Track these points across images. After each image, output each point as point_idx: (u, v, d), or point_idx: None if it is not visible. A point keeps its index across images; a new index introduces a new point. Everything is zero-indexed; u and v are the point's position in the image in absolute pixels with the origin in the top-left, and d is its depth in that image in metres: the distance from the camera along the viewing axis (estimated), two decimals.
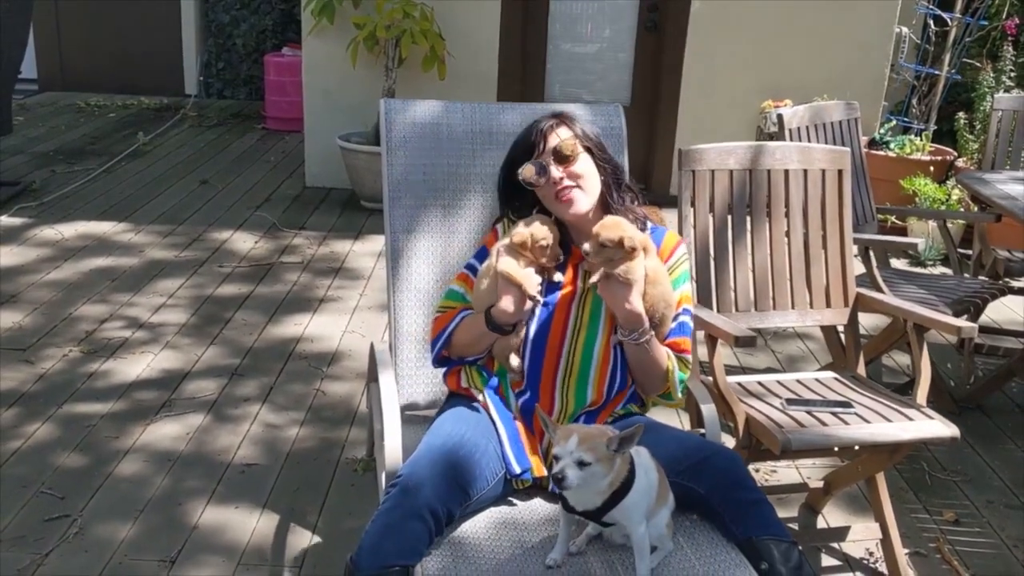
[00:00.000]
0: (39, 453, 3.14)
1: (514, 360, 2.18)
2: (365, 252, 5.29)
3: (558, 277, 2.19)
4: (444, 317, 2.26)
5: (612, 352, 2.17)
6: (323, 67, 6.29)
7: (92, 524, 2.78)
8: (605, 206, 2.24)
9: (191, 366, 3.81)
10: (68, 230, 5.38)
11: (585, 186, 2.19)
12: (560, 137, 2.19)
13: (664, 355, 2.16)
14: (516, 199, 2.28)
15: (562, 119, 2.24)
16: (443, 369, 2.34)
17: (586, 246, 2.08)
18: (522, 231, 2.14)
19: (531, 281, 2.12)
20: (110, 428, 3.32)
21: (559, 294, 2.18)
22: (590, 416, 2.18)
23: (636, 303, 2.08)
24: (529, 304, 2.14)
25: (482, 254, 2.29)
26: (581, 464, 1.78)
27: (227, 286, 4.69)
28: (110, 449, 3.19)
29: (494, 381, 2.24)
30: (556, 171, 2.17)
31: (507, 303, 2.11)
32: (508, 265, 2.12)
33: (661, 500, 1.93)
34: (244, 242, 5.35)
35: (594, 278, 2.10)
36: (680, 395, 2.24)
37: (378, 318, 4.35)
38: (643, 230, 2.23)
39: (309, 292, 4.67)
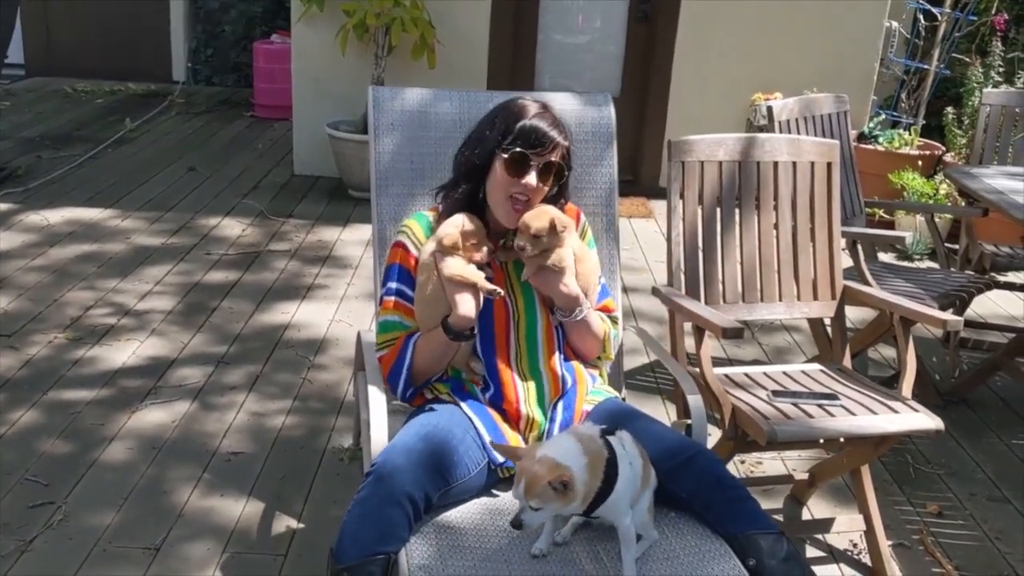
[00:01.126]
0: (24, 440, 3.13)
1: (476, 365, 2.18)
2: (353, 240, 5.28)
3: (487, 271, 2.18)
4: (392, 352, 2.19)
5: (554, 331, 2.22)
6: (312, 55, 6.26)
7: (77, 511, 2.77)
8: None
9: (178, 353, 3.80)
10: (54, 216, 5.34)
11: (535, 202, 2.17)
12: (554, 158, 2.16)
13: (599, 320, 2.27)
14: (476, 177, 2.22)
15: (567, 141, 2.20)
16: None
17: (519, 241, 2.09)
18: (451, 232, 2.09)
19: (481, 277, 2.10)
20: (95, 415, 3.30)
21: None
22: (567, 408, 2.19)
23: (572, 286, 2.16)
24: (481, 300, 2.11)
25: (398, 273, 2.22)
26: (534, 508, 1.78)
27: (214, 273, 4.67)
28: (95, 436, 3.17)
29: (454, 383, 2.23)
30: (533, 180, 2.14)
31: (467, 306, 2.07)
32: (456, 267, 2.07)
33: (645, 483, 1.93)
34: (232, 229, 5.33)
35: (526, 274, 2.13)
36: (612, 352, 2.38)
37: (365, 307, 4.34)
38: None
39: (297, 280, 4.66)
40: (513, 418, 2.16)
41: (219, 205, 5.75)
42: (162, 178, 6.25)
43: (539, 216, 2.10)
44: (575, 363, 2.27)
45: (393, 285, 2.22)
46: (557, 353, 2.22)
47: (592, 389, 2.29)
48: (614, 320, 2.35)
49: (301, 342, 3.98)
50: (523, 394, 2.17)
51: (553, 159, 2.16)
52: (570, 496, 1.78)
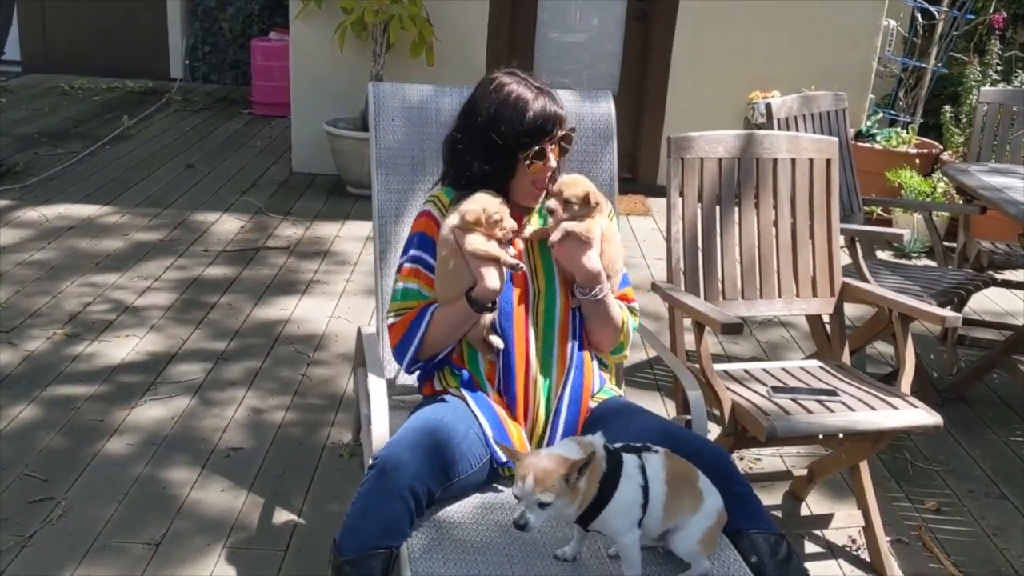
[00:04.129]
0: (23, 435, 3.12)
1: (495, 340, 2.15)
2: (351, 237, 5.28)
3: (511, 249, 2.19)
4: (405, 320, 2.19)
5: (571, 314, 2.21)
6: (310, 52, 6.25)
7: (76, 507, 2.77)
8: None
9: (177, 349, 3.80)
10: (51, 212, 5.34)
11: (555, 177, 2.25)
12: (563, 131, 2.23)
13: (618, 308, 2.26)
14: (491, 163, 2.20)
15: (560, 115, 2.24)
16: (417, 372, 2.30)
17: (550, 203, 2.13)
18: (474, 208, 2.10)
19: (504, 251, 2.11)
20: (95, 411, 3.30)
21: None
22: (573, 404, 2.18)
23: (595, 261, 2.15)
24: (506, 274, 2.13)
25: (423, 242, 2.22)
26: (541, 505, 1.72)
27: (213, 270, 4.67)
28: (95, 432, 3.17)
29: (466, 377, 2.22)
30: (554, 162, 2.20)
31: (492, 279, 2.08)
32: (478, 243, 2.09)
33: (678, 512, 1.86)
34: (230, 226, 5.33)
35: (554, 236, 2.12)
36: (628, 345, 2.34)
37: (364, 303, 4.35)
38: None
39: (295, 276, 4.66)
40: (520, 405, 2.16)
41: (217, 202, 5.74)
42: (160, 175, 6.24)
43: (574, 184, 2.13)
44: (587, 356, 2.24)
45: (414, 252, 2.22)
46: (571, 339, 2.20)
47: (601, 388, 2.29)
48: (632, 311, 2.33)
49: (300, 338, 3.98)
50: (533, 374, 2.16)
51: (564, 132, 2.21)
52: (577, 489, 1.74)
